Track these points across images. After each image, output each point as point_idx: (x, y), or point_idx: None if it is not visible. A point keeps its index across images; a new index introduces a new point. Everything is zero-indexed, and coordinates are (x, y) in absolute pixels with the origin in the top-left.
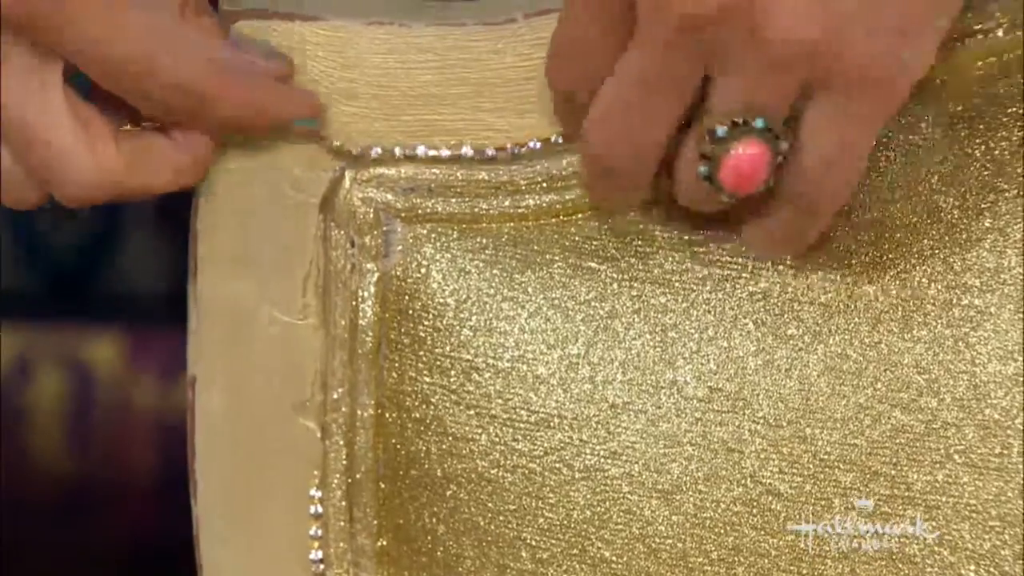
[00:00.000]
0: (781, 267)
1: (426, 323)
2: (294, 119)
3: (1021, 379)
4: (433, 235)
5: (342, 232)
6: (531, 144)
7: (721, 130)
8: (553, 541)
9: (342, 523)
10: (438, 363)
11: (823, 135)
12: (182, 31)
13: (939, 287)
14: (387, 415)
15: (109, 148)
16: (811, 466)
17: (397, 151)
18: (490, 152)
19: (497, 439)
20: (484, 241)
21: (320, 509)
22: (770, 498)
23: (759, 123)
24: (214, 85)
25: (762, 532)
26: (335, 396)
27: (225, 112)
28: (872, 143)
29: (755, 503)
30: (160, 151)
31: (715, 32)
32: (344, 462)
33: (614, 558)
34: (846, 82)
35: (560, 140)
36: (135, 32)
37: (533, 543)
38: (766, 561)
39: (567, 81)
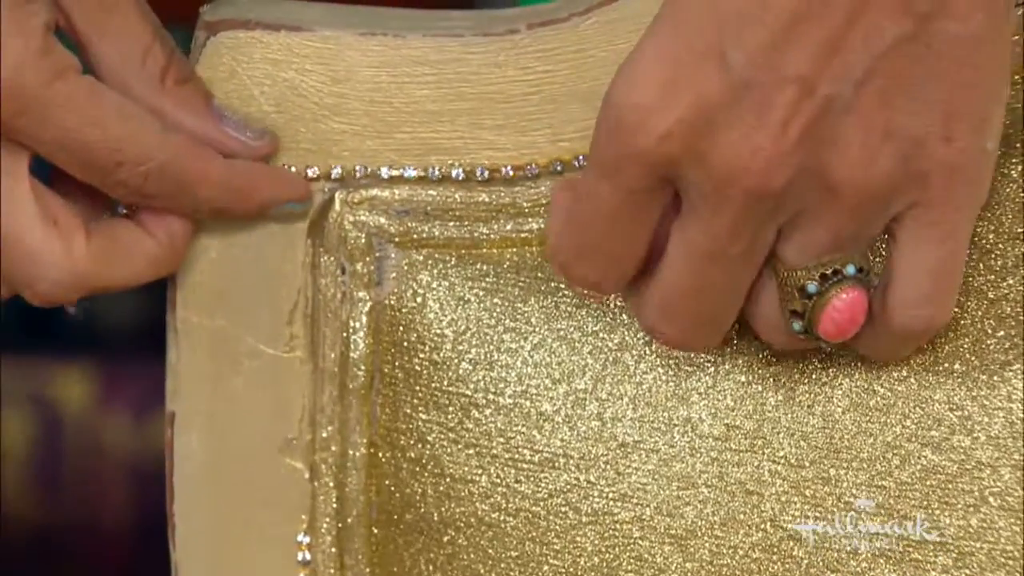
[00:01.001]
0: None
1: (422, 356)
2: (282, 204)
3: None
4: (430, 261)
5: (332, 258)
6: (534, 164)
7: (812, 286)
8: None
9: (332, 571)
10: (435, 399)
11: (919, 257)
12: (162, 108)
13: (972, 317)
14: (380, 455)
15: (79, 245)
16: (835, 509)
17: (391, 171)
18: (491, 172)
19: (498, 480)
20: (484, 268)
21: (308, 556)
22: (791, 544)
23: (850, 270)
24: (195, 168)
25: None
26: (324, 434)
27: (206, 195)
28: (968, 243)
29: (775, 549)
30: (133, 243)
31: (785, 194)
32: (334, 505)
33: None
34: (934, 199)
35: (574, 161)
36: (112, 116)
37: None
38: None
39: (595, 271)
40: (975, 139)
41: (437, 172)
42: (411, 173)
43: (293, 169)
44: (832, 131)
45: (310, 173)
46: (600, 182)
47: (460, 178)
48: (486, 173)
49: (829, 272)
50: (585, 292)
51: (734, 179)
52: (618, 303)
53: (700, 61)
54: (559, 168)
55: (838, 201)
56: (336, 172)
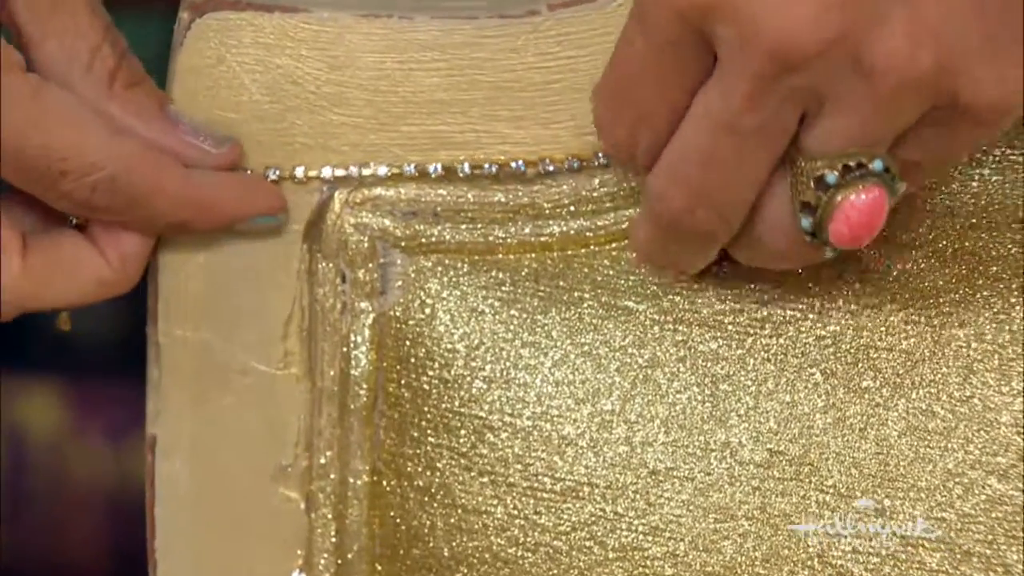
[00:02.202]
0: (854, 307)
1: (431, 373)
2: (251, 218)
3: None
4: (439, 268)
5: (331, 265)
6: (549, 160)
7: (831, 176)
8: None
9: None
10: (445, 421)
11: (943, 151)
12: (109, 113)
13: None
14: (384, 483)
15: (14, 261)
16: (890, 544)
17: (396, 168)
18: (507, 169)
19: (515, 512)
20: (500, 276)
21: None
22: None
23: (877, 165)
24: (149, 179)
25: None
26: (322, 460)
27: (163, 209)
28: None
29: None
30: (78, 260)
31: (813, 67)
32: (333, 539)
33: None
34: (970, 109)
35: (594, 158)
36: (57, 120)
37: None
38: None
39: (624, 126)
40: (1014, 69)
41: (449, 169)
42: (409, 169)
43: (277, 172)
44: (880, 6)
45: (298, 174)
46: (635, 29)
47: (475, 174)
48: (494, 168)
49: (853, 164)
50: (614, 150)
51: (762, 35)
52: (651, 315)
53: None
54: (576, 165)
55: (872, 87)
56: (331, 171)
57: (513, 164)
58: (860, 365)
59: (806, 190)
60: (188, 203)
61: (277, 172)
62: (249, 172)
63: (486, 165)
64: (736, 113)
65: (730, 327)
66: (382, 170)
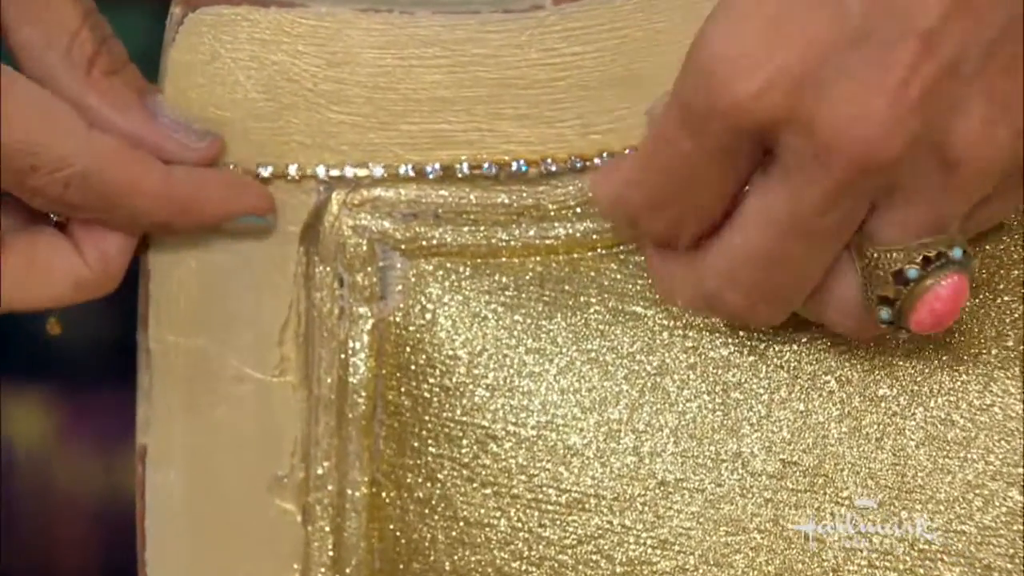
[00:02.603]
0: None
1: (432, 381)
2: (237, 217)
3: None
4: (440, 272)
5: (328, 268)
6: (556, 160)
7: (912, 271)
8: None
9: None
10: (447, 431)
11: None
12: (86, 102)
13: None
14: (384, 495)
15: None
16: (908, 558)
17: (392, 168)
18: (511, 169)
19: (520, 524)
20: (504, 280)
21: None
22: None
23: (956, 253)
24: (125, 175)
25: None
26: (319, 471)
27: (142, 207)
28: None
29: None
30: (56, 260)
31: (896, 169)
32: (330, 553)
33: None
34: None
35: (599, 158)
36: (27, 112)
37: None
38: None
39: (666, 220)
40: None
41: (451, 169)
42: (422, 169)
43: (269, 170)
44: (954, 97)
45: (291, 171)
46: (682, 134)
47: (478, 175)
48: (506, 170)
49: (932, 255)
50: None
51: (841, 146)
52: (660, 321)
53: (811, 4)
54: (579, 165)
55: (953, 177)
56: (326, 169)
57: (514, 164)
58: (876, 372)
59: (884, 284)
60: (169, 202)
61: (270, 169)
62: (235, 168)
63: (486, 165)
64: (809, 217)
65: (742, 333)
66: (384, 169)
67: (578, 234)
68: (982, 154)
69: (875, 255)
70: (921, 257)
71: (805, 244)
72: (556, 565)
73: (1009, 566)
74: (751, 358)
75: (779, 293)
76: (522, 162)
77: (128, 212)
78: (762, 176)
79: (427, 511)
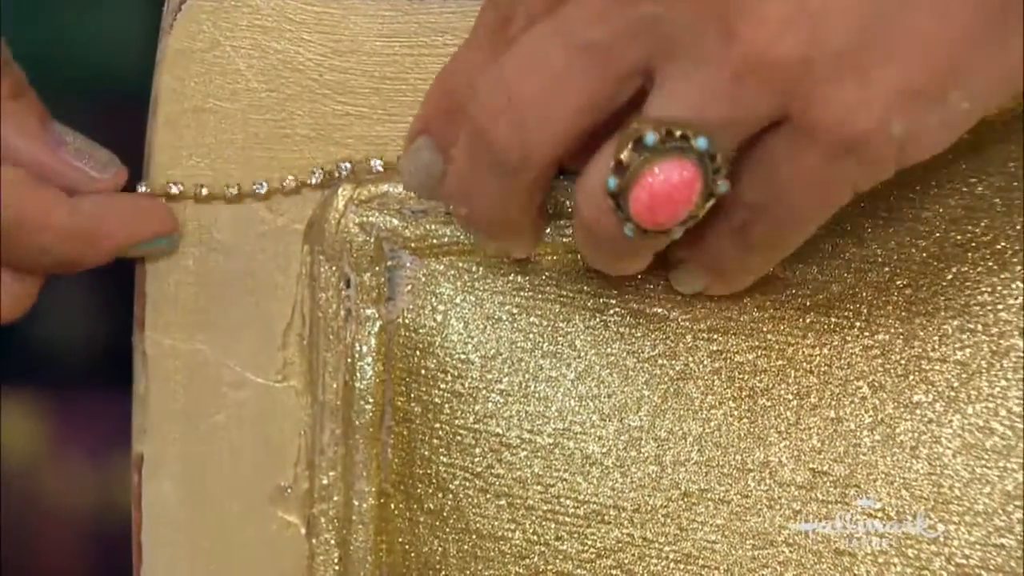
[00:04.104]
0: (904, 314)
1: (443, 386)
2: (143, 242)
3: None
4: (452, 272)
5: (334, 268)
6: None
7: (651, 137)
8: None
9: None
10: (458, 438)
11: (778, 177)
12: None
13: None
14: (392, 506)
15: None
16: (944, 573)
17: (394, 163)
18: None
19: (535, 538)
20: (519, 280)
21: None
22: None
23: (701, 143)
24: (32, 207)
25: None
26: (324, 481)
27: (49, 243)
28: (838, 206)
29: None
30: None
31: (676, 12)
32: (336, 567)
33: None
34: (816, 127)
35: None
36: None
37: None
38: None
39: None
40: (886, 106)
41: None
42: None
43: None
44: None
45: (288, 184)
46: None
47: None
48: None
49: (677, 134)
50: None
51: None
52: (683, 323)
53: None
54: None
55: (727, 55)
56: (339, 164)
57: None
58: (911, 377)
59: (624, 148)
60: (76, 236)
61: (265, 187)
62: (143, 190)
63: None
64: (580, 25)
65: (769, 336)
66: (392, 164)
67: None
68: (762, 47)
69: (633, 125)
70: (665, 130)
71: (567, 56)
72: None
73: None
74: (779, 362)
75: (525, 108)
76: None
77: (31, 250)
78: None
79: (438, 523)
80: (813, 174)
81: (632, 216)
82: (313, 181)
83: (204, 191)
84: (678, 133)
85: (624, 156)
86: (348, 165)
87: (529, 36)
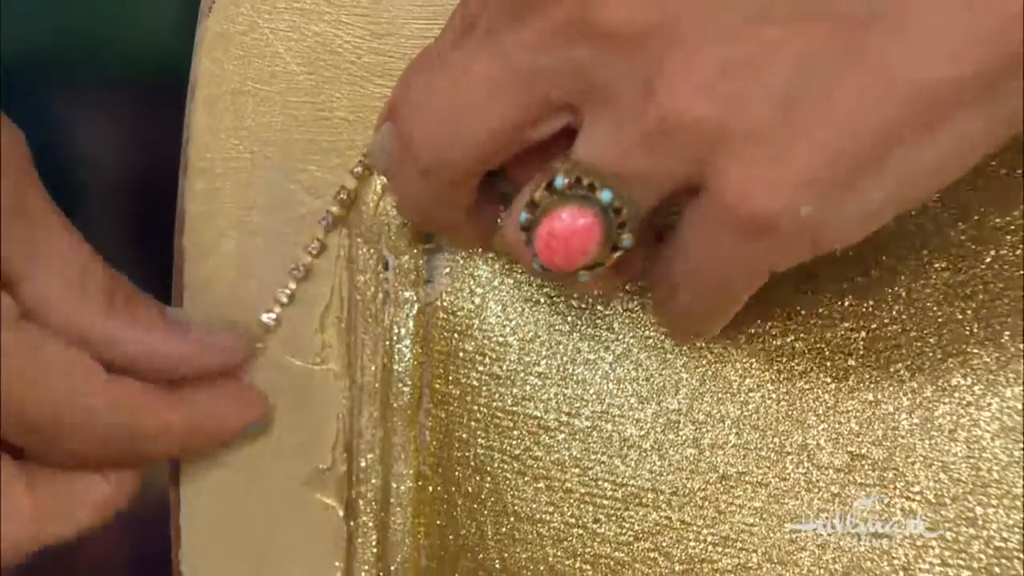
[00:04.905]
0: (942, 297)
1: (481, 369)
2: (242, 431)
3: None
4: (490, 254)
5: (372, 251)
6: None
7: (560, 180)
8: None
9: None
10: (496, 421)
11: (695, 250)
12: (116, 334)
13: None
14: (430, 488)
15: (23, 502)
16: (983, 556)
17: None
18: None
19: (573, 520)
20: None
21: None
22: None
23: (605, 195)
24: (152, 420)
25: None
26: (363, 464)
27: (166, 447)
28: (755, 284)
29: None
30: (84, 489)
31: (603, 49)
32: (374, 550)
33: None
34: (726, 201)
35: None
36: (54, 375)
37: None
38: None
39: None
40: (796, 189)
41: None
42: None
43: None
44: (693, 40)
45: (348, 184)
46: None
47: None
48: None
49: (585, 182)
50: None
51: None
52: None
53: None
54: None
55: (646, 112)
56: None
57: None
58: (949, 361)
59: (537, 187)
60: (194, 434)
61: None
62: (242, 383)
63: None
64: (517, 48)
65: (807, 319)
66: None
67: None
68: (679, 107)
69: (555, 162)
70: (575, 177)
71: (496, 70)
72: (612, 563)
73: None
74: (818, 345)
75: (444, 116)
76: None
77: (151, 453)
78: None
79: (476, 506)
80: (726, 251)
81: (536, 253)
82: (352, 164)
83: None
84: (585, 182)
85: (537, 195)
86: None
87: (468, 48)
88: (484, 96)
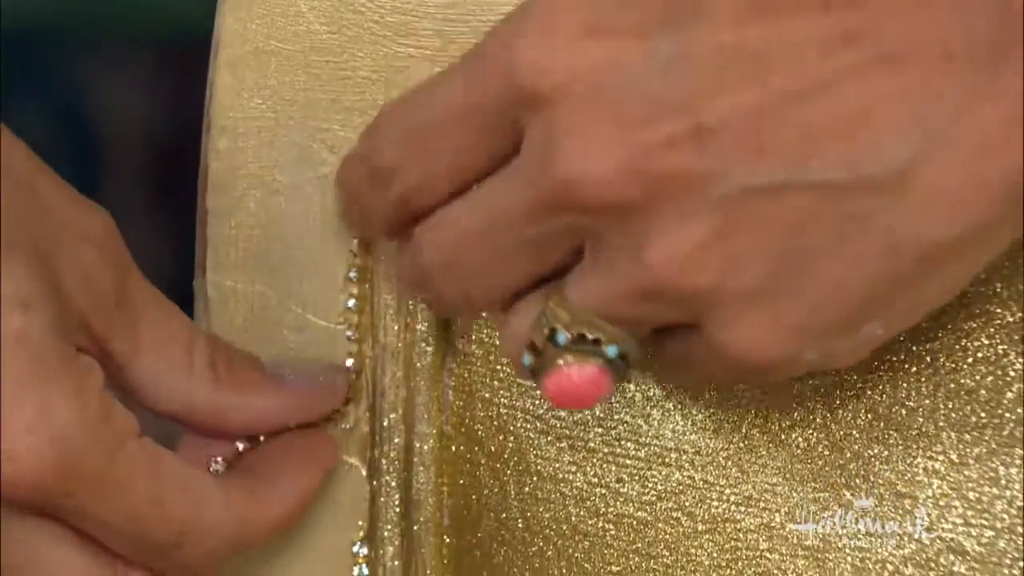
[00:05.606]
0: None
1: None
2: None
3: None
4: None
5: None
6: None
7: (562, 337)
8: None
9: None
10: (519, 380)
11: (690, 370)
12: (225, 404)
13: None
14: (453, 448)
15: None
16: (1006, 516)
17: None
18: None
19: (596, 480)
20: None
21: (367, 570)
22: (952, 558)
23: (611, 351)
24: (262, 522)
25: None
26: (386, 423)
27: (265, 540)
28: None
29: (932, 565)
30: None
31: (598, 218)
32: (397, 509)
33: None
34: (727, 350)
35: None
36: (173, 491)
37: None
38: None
39: (399, 159)
40: (796, 340)
41: None
42: None
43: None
44: (689, 204)
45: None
46: (459, 73)
47: None
48: None
49: (590, 338)
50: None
51: (560, 163)
52: None
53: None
54: None
55: (638, 275)
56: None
57: None
58: (972, 321)
59: (539, 334)
60: (287, 521)
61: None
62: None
63: None
64: (515, 218)
65: None
66: None
67: None
68: (673, 275)
69: (552, 306)
70: (577, 333)
71: (507, 240)
72: (635, 522)
73: None
74: None
75: (470, 283)
76: None
77: (253, 545)
78: (503, 166)
79: (499, 465)
80: (720, 378)
81: (547, 391)
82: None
83: None
84: (592, 337)
85: (538, 342)
86: None
87: (465, 211)
88: (501, 261)
